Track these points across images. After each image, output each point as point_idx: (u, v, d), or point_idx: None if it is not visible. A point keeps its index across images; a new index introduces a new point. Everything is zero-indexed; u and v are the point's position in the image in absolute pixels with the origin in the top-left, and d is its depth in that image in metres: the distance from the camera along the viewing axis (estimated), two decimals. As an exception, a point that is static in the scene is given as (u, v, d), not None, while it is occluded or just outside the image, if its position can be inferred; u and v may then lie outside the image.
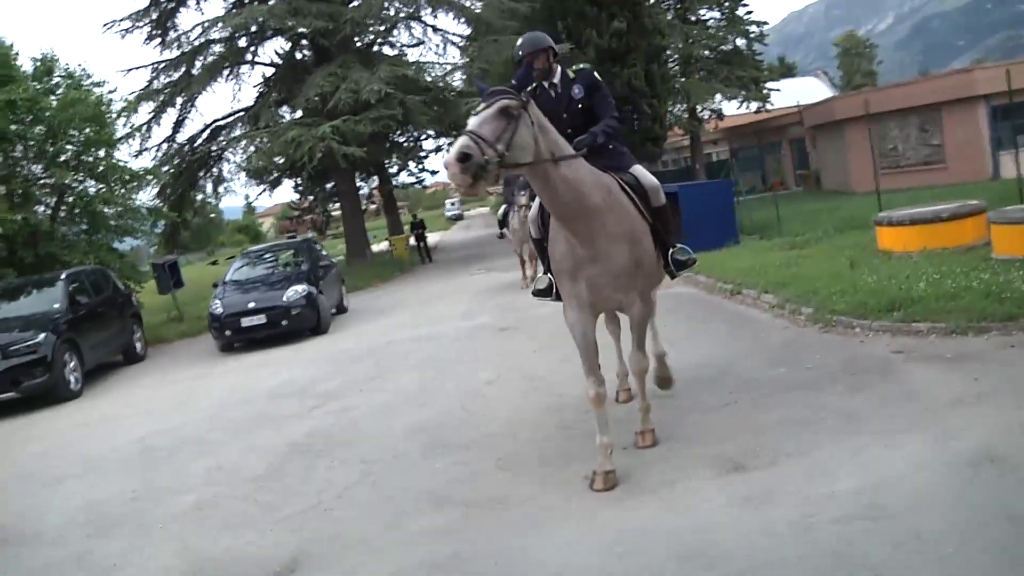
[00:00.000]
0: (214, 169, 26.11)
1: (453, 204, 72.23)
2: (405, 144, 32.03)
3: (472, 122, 4.02)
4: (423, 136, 30.71)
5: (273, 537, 4.86)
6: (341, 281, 16.57)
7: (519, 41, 5.11)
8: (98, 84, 18.05)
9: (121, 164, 18.64)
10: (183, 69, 23.75)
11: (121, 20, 23.37)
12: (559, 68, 5.13)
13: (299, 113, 23.59)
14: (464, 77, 25.63)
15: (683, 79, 30.97)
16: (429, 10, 24.31)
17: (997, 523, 3.53)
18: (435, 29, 25.34)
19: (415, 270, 24.95)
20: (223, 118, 25.30)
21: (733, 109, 34.38)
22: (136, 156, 23.23)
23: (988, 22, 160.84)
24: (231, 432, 7.61)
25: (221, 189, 27.24)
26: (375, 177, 33.49)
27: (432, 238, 32.67)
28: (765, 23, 32.98)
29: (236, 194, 55.60)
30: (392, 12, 24.11)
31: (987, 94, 21.88)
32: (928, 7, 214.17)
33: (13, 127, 16.02)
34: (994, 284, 7.23)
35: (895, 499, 3.91)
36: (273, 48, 25.45)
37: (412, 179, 36.25)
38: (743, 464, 4.68)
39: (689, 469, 4.76)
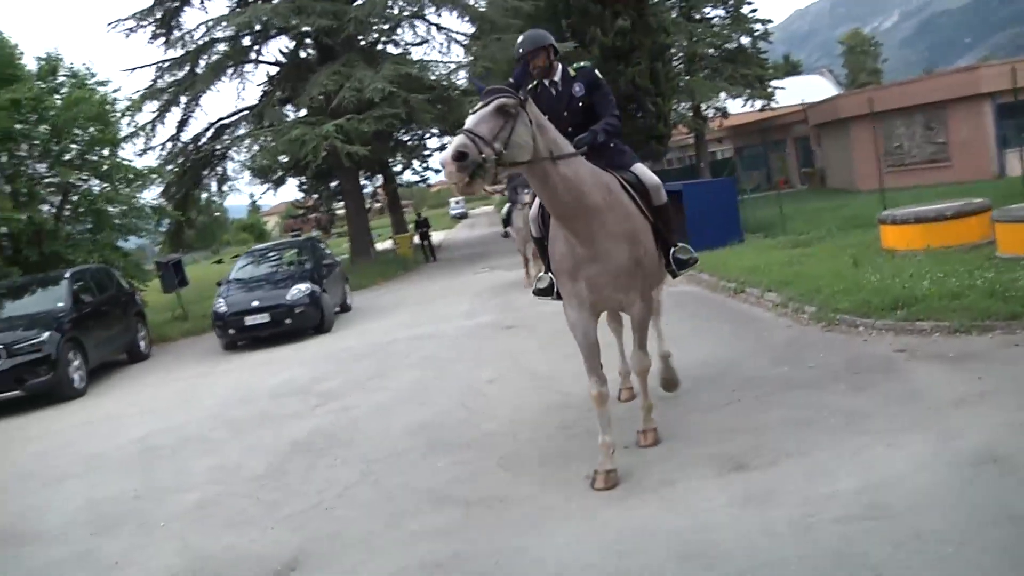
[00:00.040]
0: (218, 168, 26.12)
1: (458, 202, 72.07)
2: (409, 143, 32.05)
3: (469, 121, 4.01)
4: (427, 135, 30.72)
5: (274, 536, 4.86)
6: (345, 280, 16.59)
7: (519, 38, 5.10)
8: (102, 83, 18.09)
9: (125, 163, 18.69)
10: (187, 68, 23.73)
11: (125, 19, 23.36)
12: (560, 66, 5.11)
13: (303, 112, 23.59)
14: (470, 75, 25.60)
15: (687, 77, 30.95)
16: (433, 8, 24.26)
17: (998, 523, 3.51)
18: (439, 27, 25.29)
19: (419, 268, 24.96)
20: (227, 117, 25.29)
21: (738, 107, 34.37)
22: (140, 155, 23.25)
23: (995, 19, 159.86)
24: (233, 431, 7.63)
25: (225, 188, 27.39)
26: (379, 176, 33.51)
27: (436, 236, 32.70)
28: (770, 21, 32.97)
29: (240, 193, 55.92)
30: (396, 11, 24.08)
31: (993, 92, 21.80)
32: (934, 4, 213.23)
33: (18, 126, 16.07)
34: (998, 283, 7.19)
35: (896, 499, 3.90)
36: (277, 47, 25.42)
37: (416, 178, 36.34)
38: (745, 463, 4.67)
39: (690, 468, 4.75)
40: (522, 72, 4.96)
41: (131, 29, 23.38)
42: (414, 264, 25.97)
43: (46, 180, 17.45)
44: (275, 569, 4.38)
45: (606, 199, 4.55)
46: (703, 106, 32.65)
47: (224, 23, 22.93)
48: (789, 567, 3.50)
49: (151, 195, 20.74)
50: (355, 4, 22.81)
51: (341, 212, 34.73)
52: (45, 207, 17.47)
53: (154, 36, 23.83)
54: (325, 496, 5.38)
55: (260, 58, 25.17)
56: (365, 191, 31.60)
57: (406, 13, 24.42)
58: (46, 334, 10.69)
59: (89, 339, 11.66)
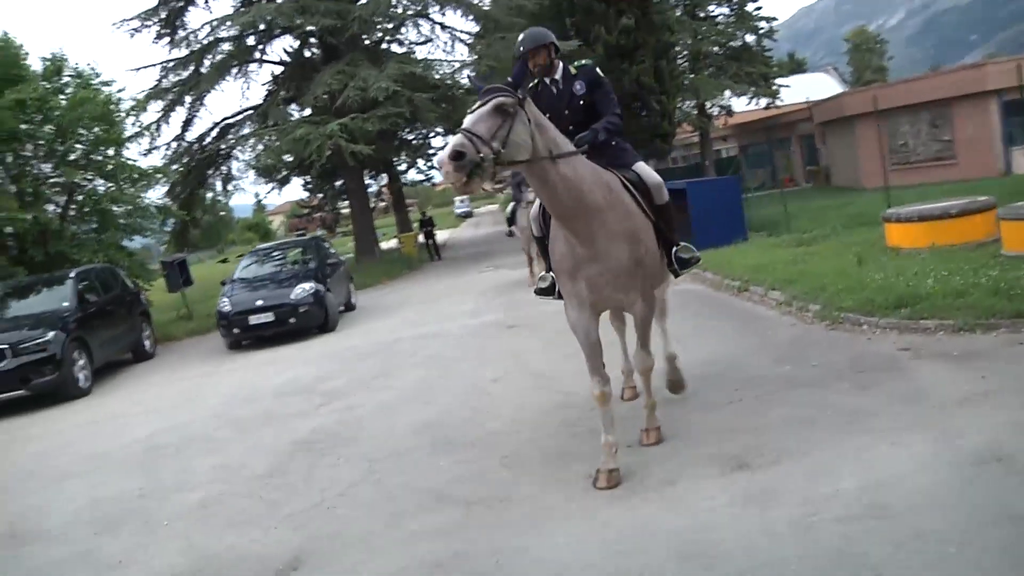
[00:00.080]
0: (223, 167, 26.17)
1: (463, 201, 72.07)
2: (414, 142, 32.04)
3: (467, 120, 4.00)
4: (432, 134, 30.69)
5: (276, 535, 4.87)
6: (349, 279, 16.60)
7: (521, 36, 5.07)
8: (107, 83, 18.17)
9: (130, 163, 18.75)
10: (192, 68, 23.80)
11: (130, 19, 23.41)
12: (561, 64, 5.09)
13: (307, 111, 23.64)
14: (472, 74, 25.58)
15: (692, 75, 30.88)
16: (437, 7, 24.26)
17: (1000, 523, 3.50)
18: (443, 26, 25.28)
19: (424, 267, 24.97)
20: (232, 116, 25.34)
21: (743, 105, 34.27)
22: (145, 155, 23.30)
23: (1001, 16, 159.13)
24: (237, 430, 7.65)
25: (230, 187, 27.38)
26: (384, 175, 33.53)
27: (441, 235, 32.69)
28: (775, 19, 32.90)
29: (245, 192, 56.00)
30: (400, 10, 24.11)
31: (999, 89, 21.72)
32: (940, 1, 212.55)
33: (23, 126, 16.15)
34: (1003, 281, 7.16)
35: (897, 498, 3.88)
36: (281, 46, 25.48)
37: (421, 177, 36.30)
38: (747, 462, 4.66)
39: (692, 467, 4.75)
40: (521, 70, 4.93)
41: (136, 29, 23.45)
42: (419, 263, 25.99)
43: (51, 180, 17.53)
44: (277, 568, 4.39)
45: (606, 198, 4.52)
46: (708, 104, 32.55)
47: (228, 23, 22.99)
48: (789, 567, 3.49)
49: (156, 195, 20.89)
50: (359, 3, 22.82)
51: (346, 211, 34.82)
52: (50, 207, 17.55)
53: (159, 36, 23.91)
54: (327, 495, 5.38)
55: (264, 58, 25.23)
56: (369, 190, 31.61)
57: (410, 12, 24.45)
58: (51, 334, 10.73)
59: (94, 339, 11.70)
